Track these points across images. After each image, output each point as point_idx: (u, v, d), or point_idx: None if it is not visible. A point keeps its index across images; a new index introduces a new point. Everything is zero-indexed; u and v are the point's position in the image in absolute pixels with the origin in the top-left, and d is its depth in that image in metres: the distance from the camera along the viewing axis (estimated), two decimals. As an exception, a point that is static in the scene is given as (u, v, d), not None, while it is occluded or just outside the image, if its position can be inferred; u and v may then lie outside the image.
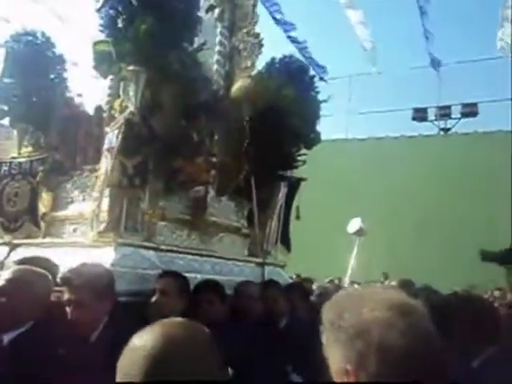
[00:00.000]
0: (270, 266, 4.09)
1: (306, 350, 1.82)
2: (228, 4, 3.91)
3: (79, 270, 2.46)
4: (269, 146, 3.81)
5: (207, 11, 4.00)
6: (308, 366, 1.66)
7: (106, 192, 3.13)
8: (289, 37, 7.27)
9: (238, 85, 3.74)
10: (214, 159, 3.66)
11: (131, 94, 3.21)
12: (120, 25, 3.10)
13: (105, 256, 2.89)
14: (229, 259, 3.78)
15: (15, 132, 4.16)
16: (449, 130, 17.27)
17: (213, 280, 3.11)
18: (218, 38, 3.89)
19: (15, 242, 3.70)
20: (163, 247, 3.27)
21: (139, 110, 3.14)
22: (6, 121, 4.22)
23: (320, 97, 4.44)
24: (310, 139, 4.37)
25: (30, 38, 4.18)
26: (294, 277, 5.84)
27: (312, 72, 4.52)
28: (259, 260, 4.04)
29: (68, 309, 2.38)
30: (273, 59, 4.39)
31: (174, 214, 3.50)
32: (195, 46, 3.36)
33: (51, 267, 2.72)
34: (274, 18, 7.62)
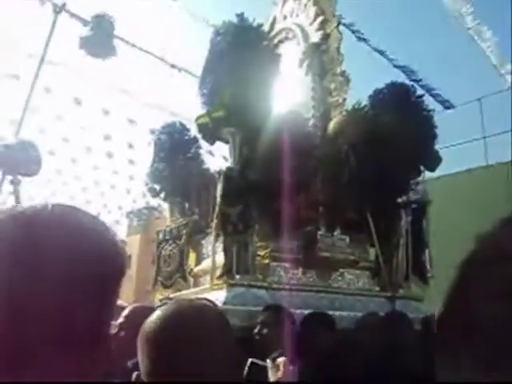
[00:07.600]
0: (402, 299, 3.83)
1: None
2: (315, 53, 4.20)
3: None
4: (376, 176, 3.76)
5: (300, 65, 4.35)
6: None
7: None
8: (404, 71, 7.08)
9: (333, 122, 3.88)
10: (320, 197, 3.79)
11: (231, 151, 3.70)
12: (214, 97, 3.67)
13: (219, 296, 3.25)
14: (351, 294, 3.72)
15: (166, 208, 5.08)
16: None
17: (319, 312, 3.12)
18: (311, 85, 4.16)
19: (171, 296, 4.40)
20: (275, 285, 3.47)
21: (237, 163, 3.58)
22: (155, 202, 5.20)
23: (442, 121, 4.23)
24: (429, 160, 4.12)
25: (170, 128, 5.19)
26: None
27: (418, 92, 4.33)
28: (388, 294, 3.84)
29: None
30: (375, 90, 4.41)
31: (287, 254, 3.69)
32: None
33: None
34: (395, 66, 7.62)
